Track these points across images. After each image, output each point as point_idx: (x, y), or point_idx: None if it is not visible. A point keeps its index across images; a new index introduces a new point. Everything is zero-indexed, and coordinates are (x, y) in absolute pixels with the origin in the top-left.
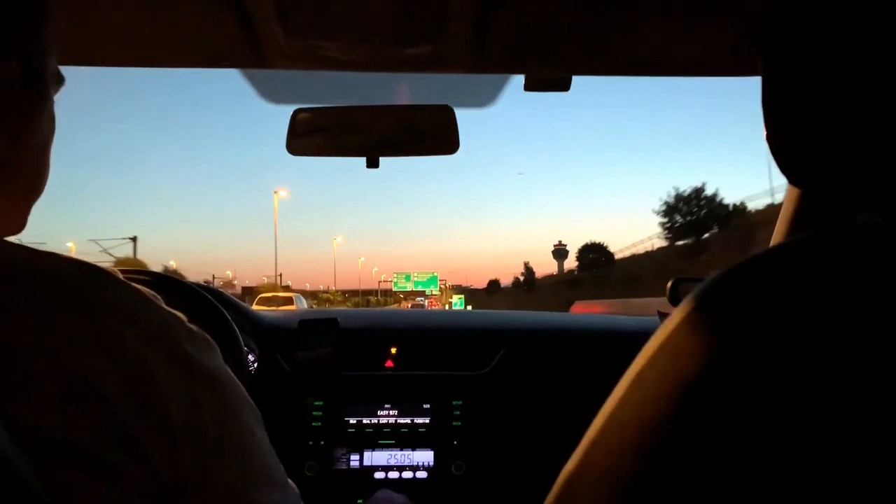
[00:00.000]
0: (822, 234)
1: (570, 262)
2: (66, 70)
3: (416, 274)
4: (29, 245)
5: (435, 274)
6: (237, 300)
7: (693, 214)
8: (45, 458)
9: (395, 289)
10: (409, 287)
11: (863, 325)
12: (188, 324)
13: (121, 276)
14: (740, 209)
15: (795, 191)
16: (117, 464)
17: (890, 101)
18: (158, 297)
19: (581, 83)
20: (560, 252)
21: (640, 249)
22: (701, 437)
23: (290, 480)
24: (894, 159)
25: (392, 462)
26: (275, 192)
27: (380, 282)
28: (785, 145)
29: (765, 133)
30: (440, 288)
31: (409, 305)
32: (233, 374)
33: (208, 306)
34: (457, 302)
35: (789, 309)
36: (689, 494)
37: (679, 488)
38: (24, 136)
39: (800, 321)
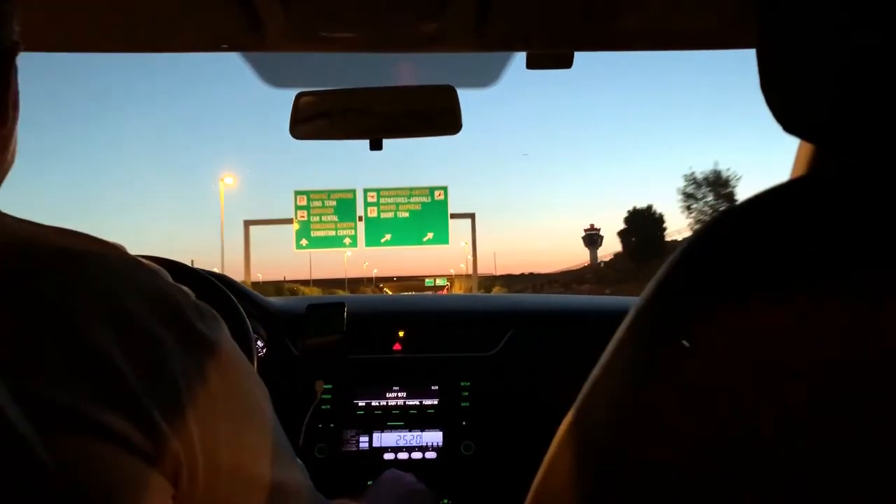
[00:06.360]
0: (795, 182)
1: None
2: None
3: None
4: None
5: (442, 193)
6: (244, 286)
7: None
8: (53, 427)
9: (301, 247)
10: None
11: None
12: (195, 299)
13: (128, 252)
14: None
15: (806, 145)
16: (127, 435)
17: (876, 53)
18: (165, 272)
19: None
20: (592, 238)
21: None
22: (682, 387)
23: (297, 458)
24: (880, 108)
25: (401, 443)
26: None
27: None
28: (778, 94)
29: (760, 83)
30: (450, 279)
31: None
32: (240, 350)
33: (217, 291)
34: None
35: (761, 257)
36: (673, 447)
37: (663, 441)
38: (15, 114)
39: (773, 270)
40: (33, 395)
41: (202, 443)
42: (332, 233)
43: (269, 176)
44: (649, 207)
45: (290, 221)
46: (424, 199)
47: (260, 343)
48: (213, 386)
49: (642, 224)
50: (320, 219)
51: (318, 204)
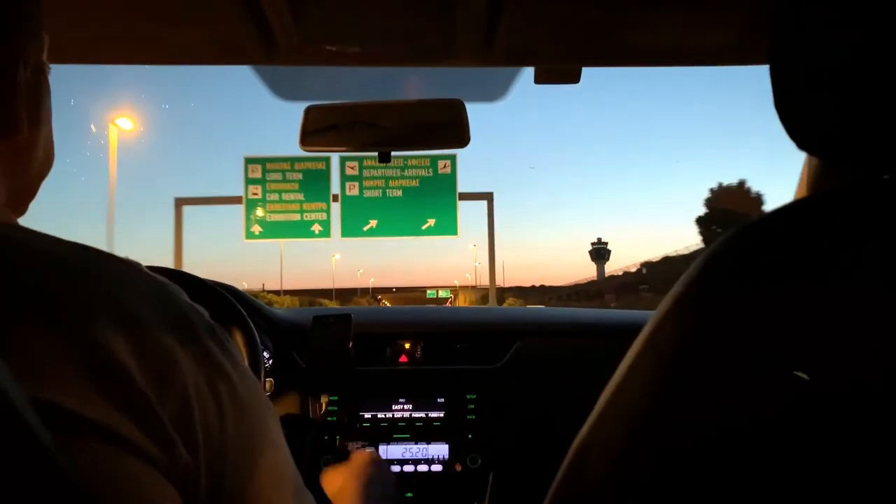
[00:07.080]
0: (822, 194)
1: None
2: None
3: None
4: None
5: (448, 164)
6: (253, 298)
7: None
8: (70, 433)
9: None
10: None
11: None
12: (209, 319)
13: (145, 268)
14: None
15: (813, 160)
16: (141, 444)
17: (886, 72)
18: (181, 289)
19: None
20: (600, 252)
21: None
22: (704, 396)
23: (307, 490)
24: (890, 125)
25: (407, 455)
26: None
27: None
28: (792, 112)
29: (773, 101)
30: (453, 291)
31: None
32: (251, 371)
33: (226, 304)
34: None
35: (785, 265)
36: (693, 458)
37: (684, 451)
38: (41, 121)
39: (797, 275)
40: (51, 402)
41: (206, 458)
42: (297, 216)
43: (220, 144)
44: (741, 184)
45: (238, 201)
46: (424, 174)
47: (266, 354)
48: (226, 409)
49: (730, 208)
50: (280, 197)
51: (278, 177)
